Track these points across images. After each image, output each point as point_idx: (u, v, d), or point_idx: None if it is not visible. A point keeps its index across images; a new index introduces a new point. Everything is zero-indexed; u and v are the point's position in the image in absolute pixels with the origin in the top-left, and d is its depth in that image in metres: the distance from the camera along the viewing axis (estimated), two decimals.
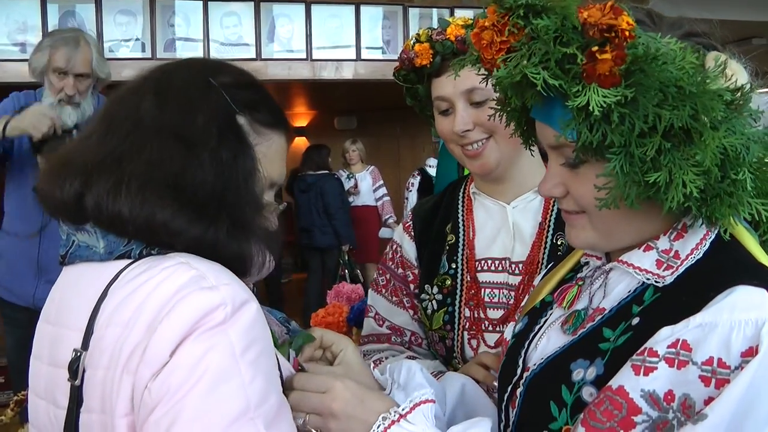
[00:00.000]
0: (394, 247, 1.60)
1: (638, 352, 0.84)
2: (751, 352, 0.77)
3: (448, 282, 1.48)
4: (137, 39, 4.34)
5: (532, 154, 1.33)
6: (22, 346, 2.55)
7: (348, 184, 7.13)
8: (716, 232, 0.90)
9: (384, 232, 7.31)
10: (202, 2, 4.43)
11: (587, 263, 1.07)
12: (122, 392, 0.81)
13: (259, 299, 0.89)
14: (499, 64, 0.87)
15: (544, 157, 1.00)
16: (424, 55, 1.41)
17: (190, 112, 0.92)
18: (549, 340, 1.01)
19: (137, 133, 0.91)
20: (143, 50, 4.35)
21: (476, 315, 1.43)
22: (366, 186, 7.31)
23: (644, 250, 0.93)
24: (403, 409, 0.96)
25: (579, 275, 1.07)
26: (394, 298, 1.56)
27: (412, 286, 1.54)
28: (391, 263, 1.59)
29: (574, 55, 0.81)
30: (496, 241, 1.47)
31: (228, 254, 0.90)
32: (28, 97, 2.77)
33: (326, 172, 6.66)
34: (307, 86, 6.94)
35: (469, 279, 1.46)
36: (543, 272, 1.24)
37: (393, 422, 0.95)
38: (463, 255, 1.48)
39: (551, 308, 1.07)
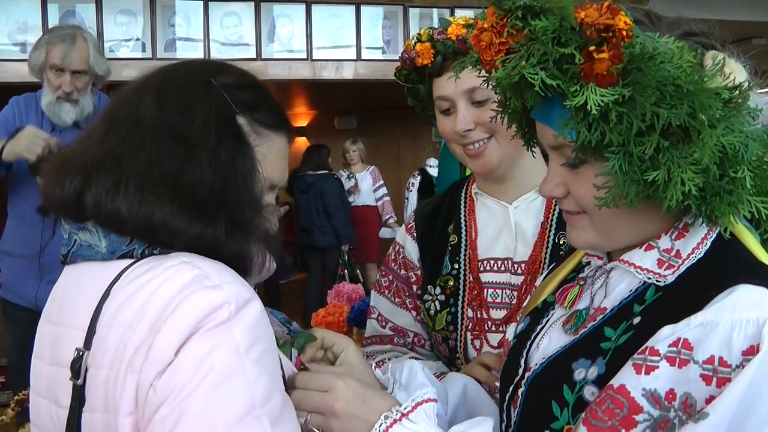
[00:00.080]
0: (397, 248, 1.60)
1: (639, 351, 0.84)
2: (752, 351, 0.77)
3: (451, 282, 1.48)
4: (137, 39, 4.34)
5: (533, 156, 1.33)
6: (23, 346, 2.55)
7: (348, 184, 7.14)
8: (717, 231, 0.90)
9: (384, 232, 7.32)
10: (202, 2, 4.43)
11: (589, 263, 1.07)
12: (126, 391, 0.81)
13: None
14: (498, 66, 0.87)
15: (546, 158, 1.00)
16: (426, 54, 1.41)
17: (190, 111, 0.93)
18: (550, 340, 1.01)
19: (137, 132, 0.92)
20: (143, 50, 4.35)
21: (479, 315, 1.43)
22: (366, 186, 7.32)
23: (645, 250, 0.93)
24: (405, 408, 0.96)
25: (580, 275, 1.07)
26: (397, 300, 1.56)
27: (414, 287, 1.54)
28: (393, 264, 1.59)
29: (572, 55, 0.81)
30: (498, 241, 1.47)
31: (228, 254, 0.90)
32: (27, 100, 2.76)
33: (326, 172, 6.66)
34: (308, 86, 6.94)
35: (471, 279, 1.46)
36: (545, 273, 1.24)
37: (395, 421, 0.95)
38: (465, 255, 1.48)
39: (553, 308, 1.07)
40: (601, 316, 0.95)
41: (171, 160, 0.89)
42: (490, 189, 1.51)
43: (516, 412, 1.02)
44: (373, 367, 1.16)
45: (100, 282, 0.89)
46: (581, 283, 1.05)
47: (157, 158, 0.89)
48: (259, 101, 0.99)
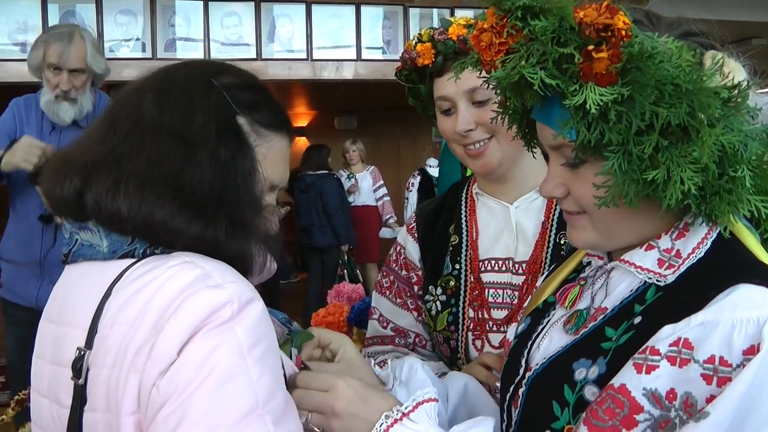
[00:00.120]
0: (398, 249, 1.60)
1: (640, 350, 0.84)
2: (752, 351, 0.77)
3: (452, 283, 1.48)
4: (138, 39, 4.35)
5: (534, 156, 1.33)
6: (24, 346, 2.55)
7: (348, 185, 7.14)
8: (717, 231, 0.90)
9: (384, 232, 7.33)
10: (202, 2, 4.43)
11: (589, 263, 1.08)
12: (128, 391, 0.81)
13: None
14: (498, 66, 0.87)
15: (547, 159, 1.00)
16: (426, 54, 1.41)
17: (190, 111, 0.93)
18: (551, 340, 1.01)
19: (137, 132, 0.92)
20: (144, 50, 4.35)
21: (480, 315, 1.43)
22: (366, 186, 7.32)
23: (646, 250, 0.93)
24: (406, 408, 0.96)
25: (581, 275, 1.07)
26: (398, 300, 1.56)
27: (416, 288, 1.55)
28: (395, 265, 1.59)
29: (572, 55, 0.81)
30: (499, 241, 1.47)
31: (229, 254, 0.90)
32: (28, 101, 2.76)
33: (325, 172, 6.67)
34: (308, 86, 6.95)
35: (472, 279, 1.46)
36: (546, 273, 1.24)
37: (396, 421, 0.95)
38: (466, 256, 1.48)
39: (554, 309, 1.07)
40: (602, 315, 0.95)
41: (171, 159, 0.90)
42: (490, 189, 1.51)
43: (516, 412, 1.02)
44: (372, 364, 1.16)
45: (102, 281, 0.89)
46: (582, 283, 1.05)
47: (157, 158, 0.89)
48: (259, 101, 1.00)
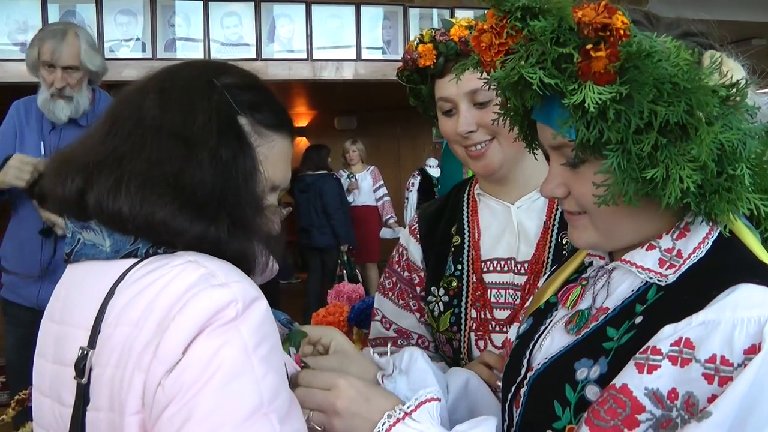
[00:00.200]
0: (400, 250, 1.60)
1: (642, 350, 0.84)
2: (753, 350, 0.77)
3: (455, 283, 1.48)
4: (138, 39, 4.35)
5: (535, 157, 1.33)
6: (24, 346, 2.55)
7: (348, 184, 7.14)
8: (718, 231, 0.90)
9: (384, 233, 7.33)
10: (202, 2, 4.43)
11: (591, 263, 1.08)
12: (133, 390, 0.81)
13: None
14: (498, 66, 0.88)
15: (548, 159, 1.00)
16: (428, 55, 1.41)
17: (191, 111, 0.93)
18: (553, 340, 1.02)
19: (139, 132, 0.92)
20: (144, 50, 4.35)
21: (483, 316, 1.43)
22: (366, 186, 7.32)
23: (647, 249, 0.93)
24: (408, 407, 0.97)
25: (583, 275, 1.08)
26: (401, 302, 1.56)
27: (418, 289, 1.55)
28: (397, 266, 1.59)
29: (571, 54, 0.81)
30: (501, 241, 1.47)
31: (231, 253, 0.90)
32: (28, 102, 2.76)
33: (325, 172, 6.66)
34: (308, 86, 6.95)
35: (475, 280, 1.46)
36: (547, 273, 1.24)
37: (398, 420, 0.95)
38: (468, 256, 1.48)
39: (556, 309, 1.08)
40: (603, 315, 0.95)
41: (172, 159, 0.90)
42: (492, 190, 1.51)
43: (518, 411, 1.02)
44: (372, 353, 1.16)
45: (104, 281, 0.89)
46: (583, 283, 1.05)
47: (158, 158, 0.90)
48: (260, 102, 1.00)
